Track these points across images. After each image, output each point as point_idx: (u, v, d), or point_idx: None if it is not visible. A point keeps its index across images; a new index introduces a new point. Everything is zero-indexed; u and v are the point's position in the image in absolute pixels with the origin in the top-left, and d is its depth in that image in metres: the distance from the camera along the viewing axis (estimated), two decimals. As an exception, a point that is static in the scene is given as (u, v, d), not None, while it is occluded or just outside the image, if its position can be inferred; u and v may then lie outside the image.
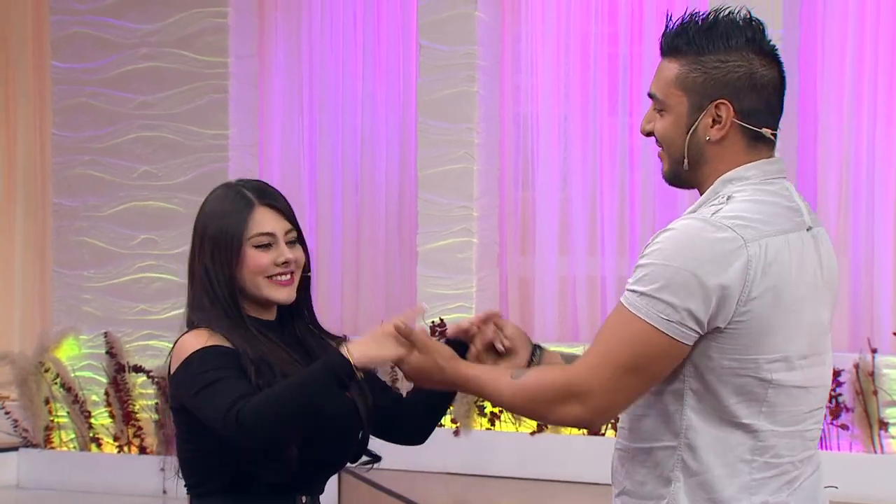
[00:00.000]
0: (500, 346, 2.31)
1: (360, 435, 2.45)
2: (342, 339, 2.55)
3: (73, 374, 6.98)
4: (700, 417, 1.99)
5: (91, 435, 6.88)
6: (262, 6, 7.13)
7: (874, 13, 5.99)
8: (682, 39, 2.05)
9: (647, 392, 1.99)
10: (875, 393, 5.45)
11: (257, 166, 7.04)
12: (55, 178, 7.29)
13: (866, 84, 5.97)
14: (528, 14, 6.63)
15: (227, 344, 2.33)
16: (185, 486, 2.42)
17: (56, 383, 6.89)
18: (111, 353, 6.87)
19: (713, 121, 2.04)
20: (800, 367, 2.01)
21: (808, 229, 2.06)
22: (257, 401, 2.20)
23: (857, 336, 5.88)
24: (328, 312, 6.94)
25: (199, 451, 2.36)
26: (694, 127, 2.05)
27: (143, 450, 6.76)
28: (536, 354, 2.30)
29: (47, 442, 6.94)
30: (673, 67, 2.06)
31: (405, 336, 2.19)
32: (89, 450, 6.89)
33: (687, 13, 2.08)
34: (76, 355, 7.07)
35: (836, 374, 5.46)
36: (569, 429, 5.68)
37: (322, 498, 2.48)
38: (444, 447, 5.93)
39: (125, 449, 6.82)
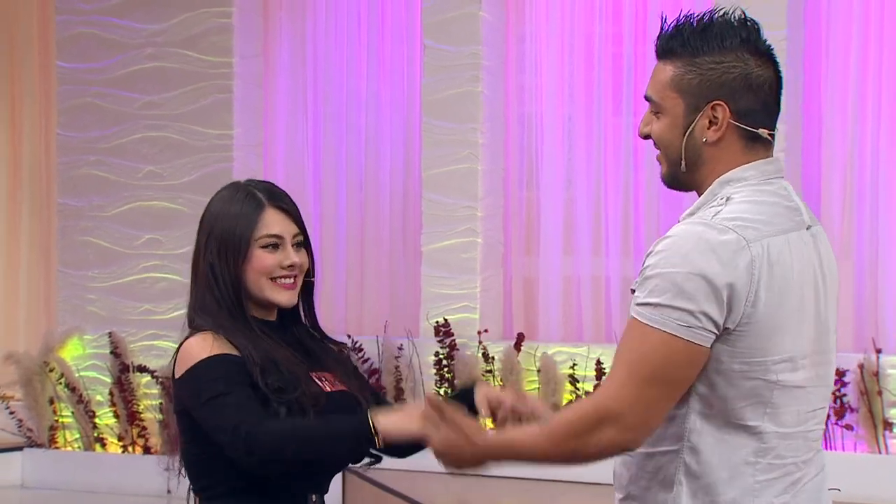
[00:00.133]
0: (523, 408, 2.26)
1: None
2: (343, 345, 2.56)
3: (77, 374, 6.99)
4: (705, 421, 1.98)
5: (95, 435, 6.89)
6: (266, 6, 7.13)
7: (878, 13, 5.98)
8: (676, 41, 2.05)
9: (676, 401, 1.97)
10: (879, 393, 5.44)
11: (262, 166, 7.04)
12: (60, 178, 7.30)
13: (870, 85, 5.97)
14: (533, 14, 6.63)
15: (231, 349, 2.34)
16: (193, 489, 2.41)
17: (60, 383, 6.90)
18: (115, 352, 6.88)
19: (709, 122, 2.04)
20: (803, 367, 2.01)
21: (808, 228, 2.06)
22: (275, 434, 2.22)
23: (861, 336, 5.87)
24: (332, 312, 6.95)
25: (205, 454, 2.36)
26: (690, 128, 2.04)
27: (147, 450, 6.77)
28: None
29: (52, 442, 6.95)
30: (668, 69, 2.06)
31: (437, 410, 2.14)
32: (93, 450, 6.89)
33: (682, 15, 2.07)
34: (81, 355, 7.08)
35: (841, 374, 5.45)
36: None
37: (327, 497, 2.49)
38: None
39: (129, 449, 6.83)
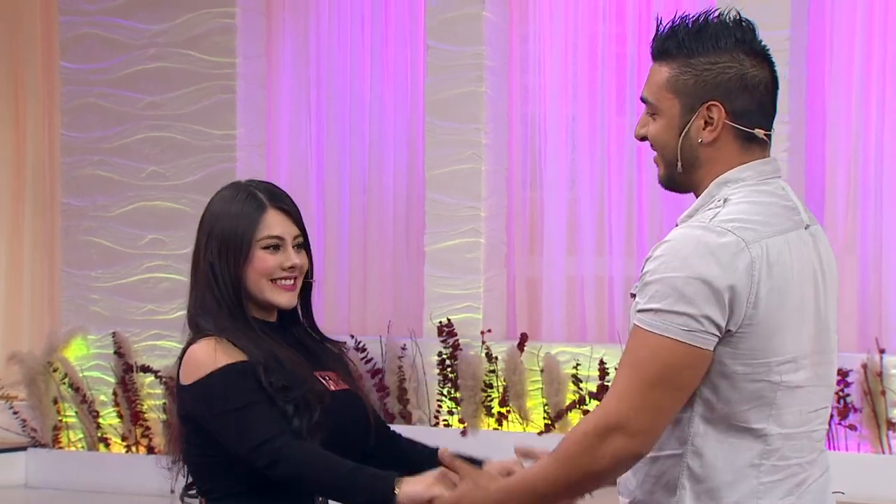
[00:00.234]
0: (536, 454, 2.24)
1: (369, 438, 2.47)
2: (341, 344, 2.56)
3: (81, 374, 6.99)
4: (708, 424, 1.97)
5: (99, 435, 6.90)
6: (269, 6, 7.14)
7: (882, 12, 5.97)
8: (671, 42, 2.04)
9: (682, 405, 1.96)
10: (883, 393, 5.44)
11: (265, 166, 7.04)
12: (64, 178, 7.31)
13: (874, 83, 5.96)
14: (536, 14, 6.63)
15: (235, 353, 2.34)
16: (199, 491, 2.41)
17: (64, 383, 6.90)
18: (119, 353, 6.88)
19: (705, 123, 2.03)
20: (804, 367, 2.00)
21: (807, 227, 2.05)
22: (303, 459, 2.25)
23: (865, 336, 5.87)
24: (336, 312, 6.95)
25: (210, 457, 2.36)
26: (686, 129, 2.04)
27: (150, 450, 6.77)
28: None
29: (55, 442, 6.95)
30: (663, 71, 2.05)
31: (451, 467, 2.16)
32: (97, 450, 6.90)
33: (677, 16, 2.07)
34: (84, 355, 7.09)
35: (844, 374, 5.45)
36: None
37: (328, 498, 2.49)
38: (451, 447, 5.92)
39: (133, 449, 6.84)
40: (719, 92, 2.02)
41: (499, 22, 6.55)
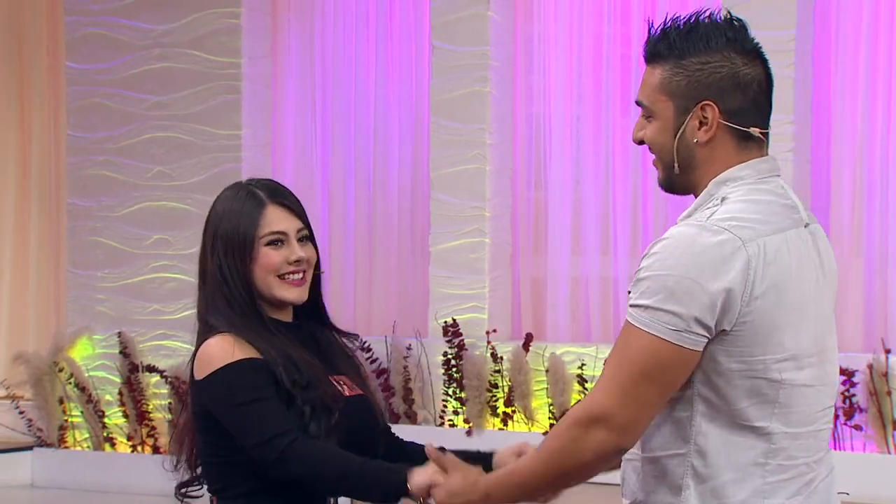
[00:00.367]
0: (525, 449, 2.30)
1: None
2: (356, 337, 2.57)
3: (86, 374, 7.00)
4: (711, 423, 1.97)
5: (105, 434, 6.90)
6: (274, 7, 7.14)
7: (888, 12, 5.97)
8: (663, 44, 2.05)
9: (666, 401, 1.97)
10: (889, 393, 5.43)
11: (270, 166, 7.05)
12: (69, 179, 7.32)
13: (880, 83, 5.96)
14: (541, 15, 6.63)
15: (251, 351, 2.34)
16: (210, 490, 2.41)
17: (70, 383, 6.91)
18: (125, 352, 6.89)
19: (700, 123, 2.03)
20: (809, 366, 2.00)
21: (806, 226, 2.05)
22: (313, 456, 2.25)
23: (870, 336, 5.87)
24: (341, 312, 6.95)
25: (224, 456, 2.36)
26: (681, 130, 2.04)
27: (156, 449, 6.78)
28: None
29: (61, 441, 6.96)
30: (656, 73, 2.06)
31: (436, 461, 2.20)
32: (103, 449, 6.91)
33: (668, 18, 2.08)
34: (90, 355, 7.10)
35: (850, 374, 5.45)
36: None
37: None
38: (456, 447, 5.93)
39: (139, 448, 6.84)
40: (712, 91, 2.02)
41: (504, 22, 6.55)
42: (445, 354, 6.29)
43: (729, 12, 2.07)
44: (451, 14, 6.49)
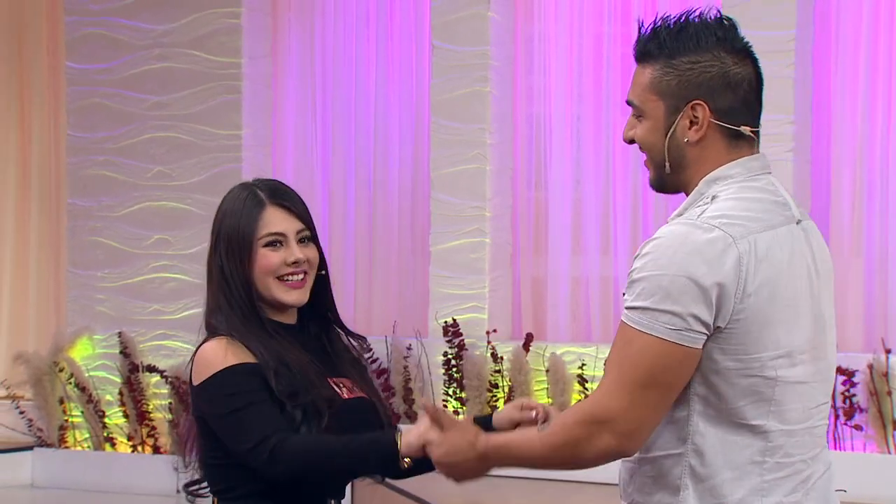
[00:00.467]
0: (534, 414, 2.31)
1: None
2: (363, 339, 2.55)
3: (87, 374, 7.00)
4: (707, 422, 1.98)
5: (105, 434, 6.91)
6: (275, 7, 7.14)
7: (888, 12, 5.97)
8: (653, 44, 2.06)
9: (671, 404, 1.97)
10: (889, 393, 5.43)
11: (271, 167, 7.05)
12: (69, 179, 7.32)
13: (880, 83, 5.96)
14: (541, 14, 6.63)
15: (246, 354, 2.33)
16: (212, 491, 2.41)
17: (70, 383, 6.91)
18: (125, 352, 6.90)
19: (690, 122, 2.04)
20: (801, 363, 2.00)
21: (798, 223, 2.05)
22: (299, 448, 2.24)
23: (871, 336, 5.87)
24: (341, 312, 6.88)
25: (226, 458, 2.35)
26: (672, 130, 2.05)
27: (156, 449, 6.78)
28: None
29: (62, 441, 6.96)
30: (647, 73, 2.07)
31: (434, 417, 2.19)
32: (103, 449, 6.91)
33: (658, 17, 2.08)
34: (90, 355, 7.10)
35: (850, 374, 5.45)
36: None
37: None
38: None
39: (139, 448, 6.85)
40: (702, 91, 2.03)
41: (504, 22, 6.55)
42: (446, 354, 6.29)
43: (719, 11, 2.07)
44: (451, 14, 6.49)
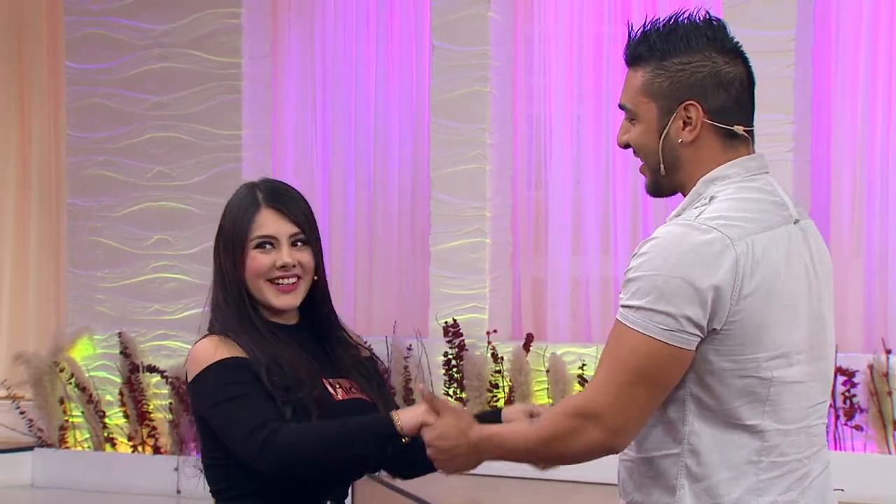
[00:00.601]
0: (535, 410, 2.31)
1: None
2: (365, 347, 2.54)
3: (87, 374, 7.00)
4: (703, 422, 1.98)
5: (105, 435, 6.91)
6: (275, 7, 7.14)
7: (888, 12, 5.97)
8: (643, 47, 2.06)
9: (660, 402, 1.98)
10: (889, 393, 5.43)
11: (271, 166, 7.05)
12: (70, 179, 7.32)
13: (880, 83, 5.96)
14: (541, 14, 6.63)
15: (238, 351, 2.33)
16: (211, 491, 2.41)
17: (70, 383, 6.92)
18: (125, 353, 6.90)
19: (684, 123, 2.04)
20: (799, 363, 2.00)
21: (796, 222, 2.05)
22: (293, 437, 2.22)
23: (871, 337, 5.87)
24: (341, 312, 6.86)
25: (222, 458, 2.35)
26: (665, 131, 2.05)
27: (157, 449, 6.78)
28: None
29: (62, 442, 6.96)
30: (638, 76, 2.07)
31: (430, 401, 2.19)
32: (104, 449, 6.91)
33: (647, 21, 2.08)
34: (90, 355, 7.10)
35: (850, 374, 5.45)
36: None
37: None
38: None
39: (139, 449, 6.85)
40: (695, 91, 2.03)
41: (504, 22, 6.55)
42: (446, 355, 6.29)
43: (708, 12, 2.07)
44: (451, 14, 6.49)
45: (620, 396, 1.94)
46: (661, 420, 2.00)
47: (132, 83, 7.11)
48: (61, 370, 6.91)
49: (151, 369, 6.75)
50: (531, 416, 2.28)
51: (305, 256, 2.39)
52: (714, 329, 1.94)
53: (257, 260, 2.37)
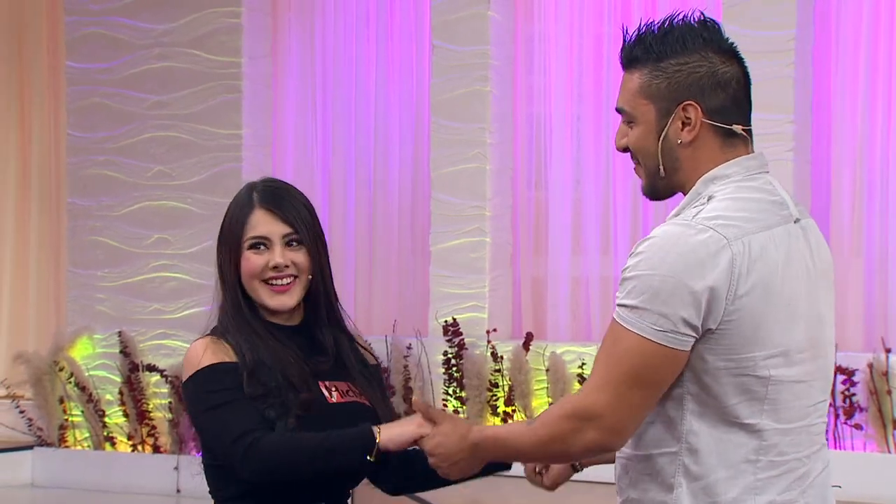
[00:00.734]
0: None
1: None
2: (366, 348, 2.53)
3: (87, 374, 7.00)
4: (701, 421, 1.98)
5: (105, 434, 6.91)
6: (275, 6, 7.15)
7: (888, 12, 5.98)
8: (639, 49, 2.07)
9: (657, 401, 1.98)
10: (889, 392, 5.44)
11: (271, 166, 7.05)
12: (70, 178, 7.32)
13: (880, 83, 5.97)
14: (541, 14, 6.63)
15: (228, 354, 2.33)
16: (209, 491, 2.41)
17: (70, 382, 6.92)
18: (125, 352, 6.90)
19: (682, 123, 2.04)
20: (800, 362, 2.00)
21: (796, 221, 2.05)
22: (275, 446, 2.22)
23: (871, 336, 5.87)
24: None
25: (219, 459, 2.34)
26: (664, 133, 2.05)
27: (156, 449, 6.78)
28: None
29: (62, 441, 6.96)
30: (635, 78, 2.08)
31: (424, 412, 2.20)
32: (103, 449, 6.91)
33: (642, 23, 2.09)
34: (90, 354, 7.10)
35: (850, 374, 5.45)
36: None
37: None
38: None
39: (139, 448, 6.85)
40: (693, 91, 2.03)
41: (504, 22, 6.56)
42: (446, 354, 6.29)
43: (702, 13, 2.08)
44: (451, 14, 6.49)
45: (617, 397, 1.95)
46: (660, 418, 2.01)
47: (132, 83, 7.11)
48: (61, 369, 6.92)
49: (151, 368, 6.75)
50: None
51: (300, 256, 2.38)
52: (709, 329, 1.95)
53: (251, 260, 2.37)
